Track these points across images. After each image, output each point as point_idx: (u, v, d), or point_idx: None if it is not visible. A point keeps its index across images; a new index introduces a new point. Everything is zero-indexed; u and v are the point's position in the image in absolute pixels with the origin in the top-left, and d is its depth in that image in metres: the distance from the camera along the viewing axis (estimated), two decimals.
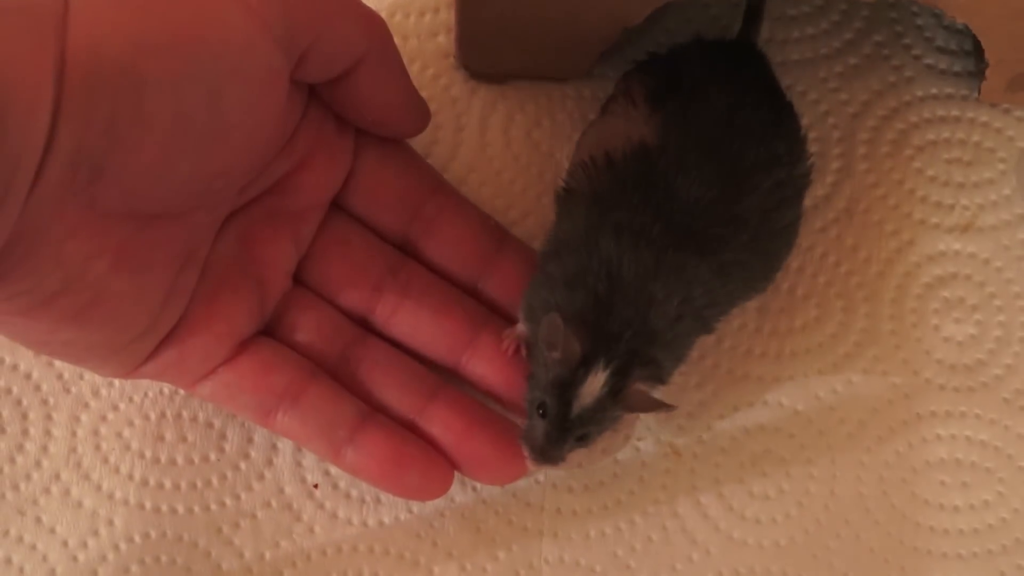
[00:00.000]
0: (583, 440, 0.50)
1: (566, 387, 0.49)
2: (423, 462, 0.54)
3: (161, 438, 0.57)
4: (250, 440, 0.57)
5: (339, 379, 0.55)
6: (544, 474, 0.57)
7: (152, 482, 0.56)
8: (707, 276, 0.50)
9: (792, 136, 0.55)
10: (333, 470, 0.57)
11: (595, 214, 0.51)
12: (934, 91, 0.62)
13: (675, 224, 0.50)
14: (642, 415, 0.57)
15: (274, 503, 0.56)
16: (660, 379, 0.50)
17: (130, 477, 0.56)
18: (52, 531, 0.56)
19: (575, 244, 0.51)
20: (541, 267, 0.53)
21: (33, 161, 0.41)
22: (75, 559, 0.55)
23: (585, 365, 0.48)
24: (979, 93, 0.61)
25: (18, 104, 0.39)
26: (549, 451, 0.50)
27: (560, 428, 0.50)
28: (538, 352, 0.50)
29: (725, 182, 0.51)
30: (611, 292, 0.49)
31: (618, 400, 0.49)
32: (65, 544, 0.55)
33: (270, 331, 0.55)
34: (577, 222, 0.52)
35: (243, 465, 0.57)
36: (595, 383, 0.48)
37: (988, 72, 0.59)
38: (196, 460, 0.57)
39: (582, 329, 0.49)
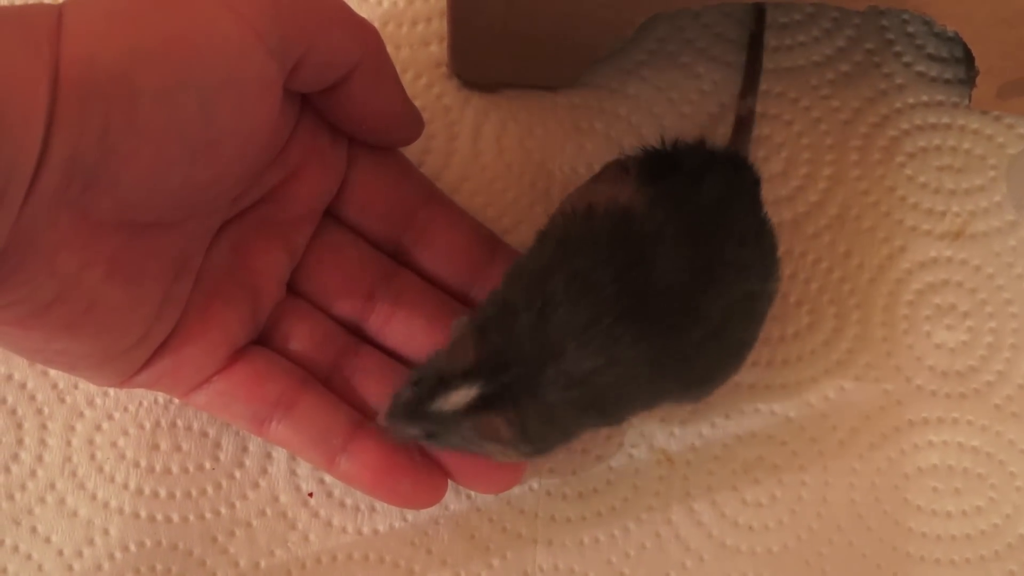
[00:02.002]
0: (432, 437, 0.50)
1: (439, 383, 0.49)
2: (416, 471, 0.54)
3: (156, 447, 0.57)
4: (245, 449, 0.57)
5: (333, 388, 0.55)
6: (538, 481, 0.57)
7: (147, 491, 0.56)
8: (636, 360, 0.48)
9: (769, 254, 0.53)
10: (328, 479, 0.57)
11: (559, 254, 0.50)
12: (925, 98, 0.62)
13: (631, 294, 0.48)
14: (636, 423, 0.57)
15: (269, 512, 0.56)
16: (526, 435, 0.49)
17: (125, 486, 0.56)
18: (47, 540, 0.56)
19: (530, 273, 0.50)
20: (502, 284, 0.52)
21: (27, 171, 0.41)
22: (71, 568, 0.55)
23: (463, 376, 0.48)
24: (970, 100, 0.61)
25: (12, 114, 0.39)
26: (396, 419, 0.50)
27: (413, 412, 0.49)
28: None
29: (698, 272, 0.49)
30: (532, 328, 0.48)
31: (472, 425, 0.49)
32: (60, 554, 0.55)
33: (264, 340, 0.55)
34: (540, 257, 0.51)
35: (238, 474, 0.57)
36: (459, 397, 0.48)
37: (979, 79, 0.59)
38: (191, 469, 0.57)
39: (483, 346, 0.48)
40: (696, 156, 0.54)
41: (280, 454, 0.57)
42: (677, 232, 0.49)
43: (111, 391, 0.57)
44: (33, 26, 0.42)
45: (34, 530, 0.56)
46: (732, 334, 0.51)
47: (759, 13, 0.61)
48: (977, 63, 0.58)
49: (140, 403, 0.57)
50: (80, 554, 0.56)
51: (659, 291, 0.48)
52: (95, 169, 0.43)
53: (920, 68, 0.63)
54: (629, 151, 0.55)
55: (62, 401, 0.57)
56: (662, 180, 0.51)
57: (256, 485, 0.57)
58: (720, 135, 0.61)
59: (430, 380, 0.49)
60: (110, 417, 0.57)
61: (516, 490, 0.57)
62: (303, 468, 0.57)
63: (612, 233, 0.50)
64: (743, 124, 0.59)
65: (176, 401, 0.57)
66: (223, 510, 0.56)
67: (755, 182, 0.55)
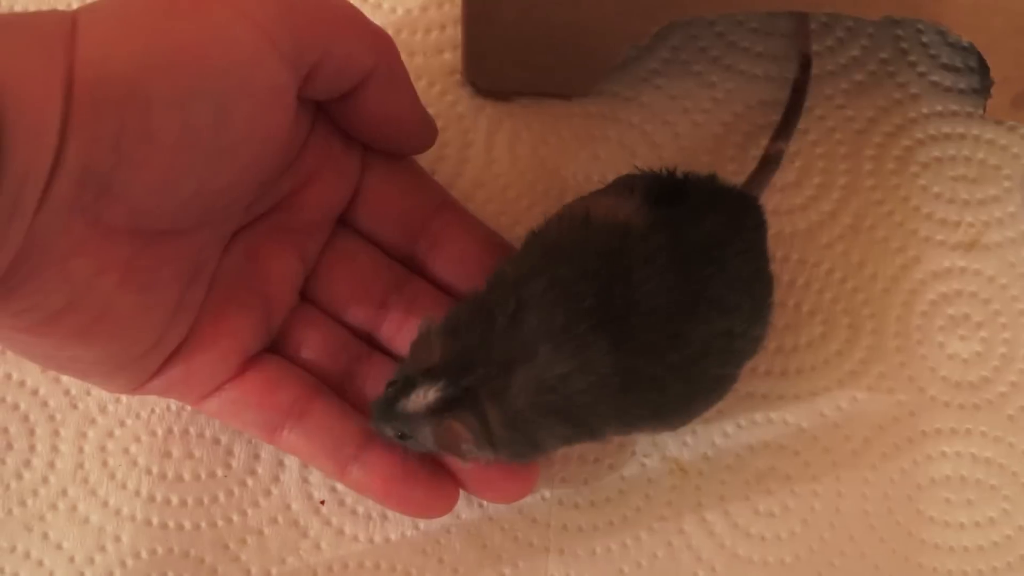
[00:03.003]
0: (404, 439, 0.51)
1: (407, 383, 0.49)
2: (428, 480, 0.54)
3: (168, 454, 0.57)
4: (257, 456, 0.57)
5: (345, 396, 0.55)
6: (550, 491, 0.57)
7: (159, 498, 0.56)
8: (608, 371, 0.48)
9: (760, 300, 0.53)
10: (339, 486, 0.57)
11: (544, 261, 0.50)
12: (939, 108, 0.62)
13: (612, 307, 0.48)
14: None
15: (281, 519, 0.56)
16: (490, 440, 0.49)
17: (137, 493, 0.56)
18: (59, 547, 0.56)
19: (511, 273, 0.50)
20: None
21: (41, 178, 0.41)
22: (82, 575, 0.55)
23: (426, 376, 0.48)
24: (984, 110, 0.61)
25: (27, 121, 0.39)
26: (379, 418, 0.51)
27: (384, 412, 0.50)
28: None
29: (684, 297, 0.49)
30: (503, 330, 0.48)
31: (432, 428, 0.49)
32: (72, 560, 0.55)
33: (276, 347, 0.55)
34: (526, 258, 0.51)
35: (250, 481, 0.57)
36: (420, 398, 0.48)
37: (993, 89, 0.59)
38: (203, 476, 0.57)
39: (450, 346, 0.49)
40: (705, 190, 0.53)
41: (292, 462, 0.57)
42: (669, 260, 0.49)
43: (123, 398, 0.58)
44: (47, 33, 0.42)
45: (46, 536, 0.56)
46: (708, 368, 0.51)
47: (806, 61, 0.61)
48: (992, 73, 0.58)
49: (152, 410, 0.57)
50: (92, 561, 0.56)
51: (640, 311, 0.48)
52: (109, 176, 0.43)
53: (935, 78, 0.63)
54: (641, 166, 0.55)
55: (74, 407, 0.57)
56: (665, 206, 0.51)
57: (268, 493, 0.57)
58: (732, 144, 0.61)
59: (401, 379, 0.49)
60: (122, 424, 0.57)
61: (528, 499, 0.57)
62: (315, 476, 0.57)
63: (603, 245, 0.50)
64: (767, 164, 0.59)
65: (188, 408, 0.57)
66: (235, 517, 0.56)
67: (759, 225, 0.54)
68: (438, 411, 0.48)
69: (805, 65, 0.61)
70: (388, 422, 0.50)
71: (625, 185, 0.53)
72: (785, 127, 0.60)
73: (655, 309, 0.48)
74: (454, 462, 0.54)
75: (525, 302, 0.48)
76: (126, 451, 0.57)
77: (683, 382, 0.50)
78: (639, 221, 0.50)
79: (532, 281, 0.49)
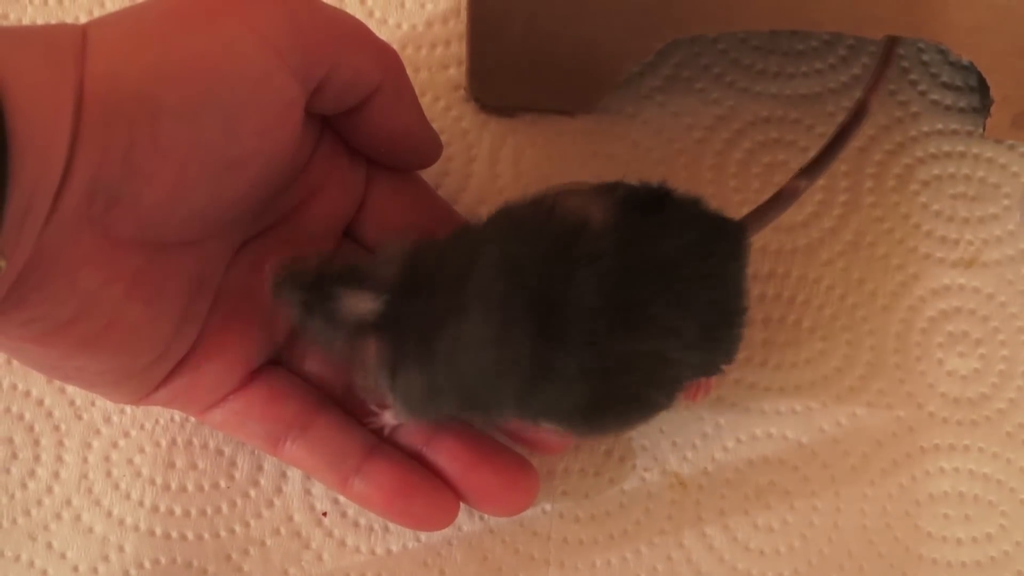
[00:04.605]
0: (306, 312, 0.50)
1: (355, 276, 0.49)
2: (429, 493, 0.54)
3: (172, 465, 0.57)
4: (260, 468, 0.57)
5: (348, 409, 0.55)
6: (551, 504, 0.57)
7: (162, 509, 0.57)
8: (523, 354, 0.48)
9: (713, 331, 0.51)
10: (342, 499, 0.57)
11: (507, 231, 0.50)
12: (939, 127, 0.63)
13: (551, 294, 0.48)
14: (649, 446, 0.58)
15: (283, 531, 0.57)
16: (393, 379, 0.49)
17: (141, 503, 0.57)
18: (63, 557, 0.56)
19: (474, 234, 0.51)
20: None
21: (51, 190, 0.41)
22: None
23: (373, 283, 0.48)
24: (984, 129, 0.61)
25: (37, 132, 0.39)
26: (283, 280, 0.50)
27: (316, 286, 0.49)
28: None
29: (619, 307, 0.48)
30: (449, 281, 0.48)
31: (350, 334, 0.49)
32: (76, 570, 0.56)
33: (280, 360, 0.55)
34: (492, 225, 0.51)
35: (253, 493, 0.57)
36: (360, 302, 0.48)
37: (993, 108, 0.59)
38: (206, 487, 0.57)
39: (406, 274, 0.49)
40: (683, 210, 0.52)
41: (295, 474, 0.57)
42: (615, 265, 0.48)
43: (128, 409, 0.58)
44: (58, 46, 0.42)
45: (50, 546, 0.56)
46: (628, 386, 0.50)
47: (861, 108, 0.57)
48: (992, 92, 0.58)
49: (157, 421, 0.58)
50: (95, 570, 0.56)
51: (574, 306, 0.48)
52: (118, 188, 0.43)
53: (935, 96, 0.63)
54: (640, 177, 0.55)
55: (79, 418, 0.58)
56: (638, 215, 0.50)
57: (271, 504, 0.57)
58: (734, 160, 0.61)
59: (344, 268, 0.49)
60: (127, 434, 0.57)
61: (529, 512, 0.57)
62: (317, 488, 0.57)
63: (560, 234, 0.49)
64: (781, 199, 0.56)
65: (192, 419, 0.57)
66: (237, 528, 0.57)
67: (734, 256, 0.53)
68: (365, 324, 0.48)
69: (859, 112, 0.57)
70: (302, 291, 0.49)
71: (609, 187, 0.53)
72: (814, 166, 0.56)
73: (588, 310, 0.48)
74: (458, 477, 0.54)
75: (476, 262, 0.48)
76: (130, 462, 0.57)
77: (594, 392, 0.49)
78: (600, 220, 0.50)
79: (488, 246, 0.49)
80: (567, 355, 0.48)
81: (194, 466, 0.57)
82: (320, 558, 0.56)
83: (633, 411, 0.52)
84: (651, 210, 0.51)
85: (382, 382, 0.49)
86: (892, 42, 0.58)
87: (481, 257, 0.48)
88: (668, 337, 0.49)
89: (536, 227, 0.50)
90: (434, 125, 0.56)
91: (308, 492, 0.57)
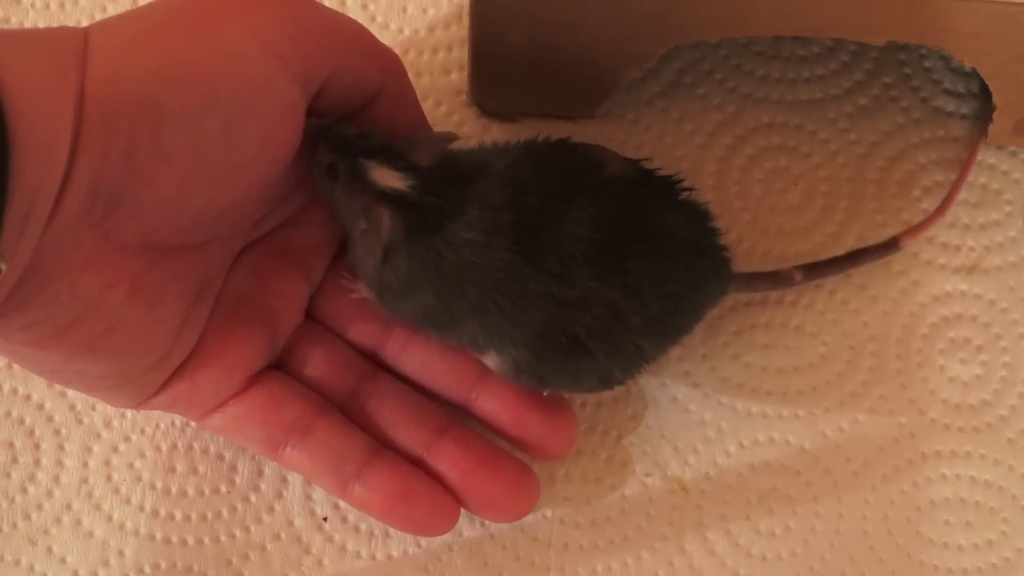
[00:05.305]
0: (331, 174, 0.51)
1: (391, 154, 0.50)
2: (429, 498, 0.54)
3: (172, 469, 0.57)
4: (260, 473, 0.57)
5: (348, 414, 0.55)
6: (552, 510, 0.57)
7: (163, 513, 0.56)
8: (497, 264, 0.49)
9: (666, 319, 0.53)
10: (342, 504, 0.57)
11: (522, 152, 0.52)
12: (942, 133, 0.63)
13: (540, 216, 0.50)
14: (650, 451, 0.58)
15: (284, 535, 0.57)
16: (386, 254, 0.49)
17: (141, 508, 0.56)
18: (63, 561, 0.56)
19: (497, 148, 0.53)
20: None
21: (51, 193, 0.41)
22: None
23: (408, 168, 0.50)
24: (986, 135, 0.61)
25: (38, 135, 0.40)
26: (319, 134, 0.51)
27: (338, 145, 0.51)
28: None
29: (599, 247, 0.50)
30: (462, 183, 0.50)
31: (368, 200, 0.50)
32: (76, 574, 0.56)
33: (281, 365, 0.55)
34: (515, 145, 0.53)
35: (253, 497, 0.57)
36: (389, 176, 0.49)
37: (995, 115, 0.59)
38: (207, 492, 0.57)
39: (444, 165, 0.50)
40: (697, 212, 0.54)
41: (295, 478, 0.57)
42: (614, 208, 0.51)
43: (128, 413, 0.58)
44: (59, 49, 0.42)
45: (50, 550, 0.56)
46: (577, 324, 0.50)
47: (891, 243, 0.60)
48: (994, 99, 0.58)
49: (157, 425, 0.57)
50: (95, 575, 0.56)
51: (558, 232, 0.49)
52: (119, 192, 0.43)
53: (937, 103, 0.63)
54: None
55: (79, 422, 0.57)
56: (658, 184, 0.53)
57: (271, 509, 0.57)
58: (736, 166, 0.62)
59: (381, 144, 0.50)
60: (127, 439, 0.57)
61: (530, 518, 0.57)
62: (318, 493, 0.57)
63: (570, 165, 0.52)
64: (774, 280, 0.59)
65: (193, 424, 0.57)
66: (238, 533, 0.56)
67: (714, 274, 0.55)
68: (384, 195, 0.49)
69: (888, 245, 0.60)
70: (334, 152, 0.51)
71: (635, 160, 0.54)
72: (818, 268, 0.59)
73: (572, 237, 0.49)
74: (458, 483, 0.54)
75: (486, 171, 0.50)
76: (131, 466, 0.57)
77: (548, 321, 0.50)
78: (618, 169, 0.52)
79: (502, 159, 0.51)
80: (536, 273, 0.49)
81: (195, 471, 0.57)
82: (320, 563, 0.56)
83: (574, 361, 0.52)
84: (667, 193, 0.53)
85: (371, 260, 0.50)
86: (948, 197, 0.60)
87: (494, 165, 0.50)
88: (632, 297, 0.50)
89: (554, 156, 0.52)
90: (436, 130, 0.56)
91: (309, 497, 0.57)
